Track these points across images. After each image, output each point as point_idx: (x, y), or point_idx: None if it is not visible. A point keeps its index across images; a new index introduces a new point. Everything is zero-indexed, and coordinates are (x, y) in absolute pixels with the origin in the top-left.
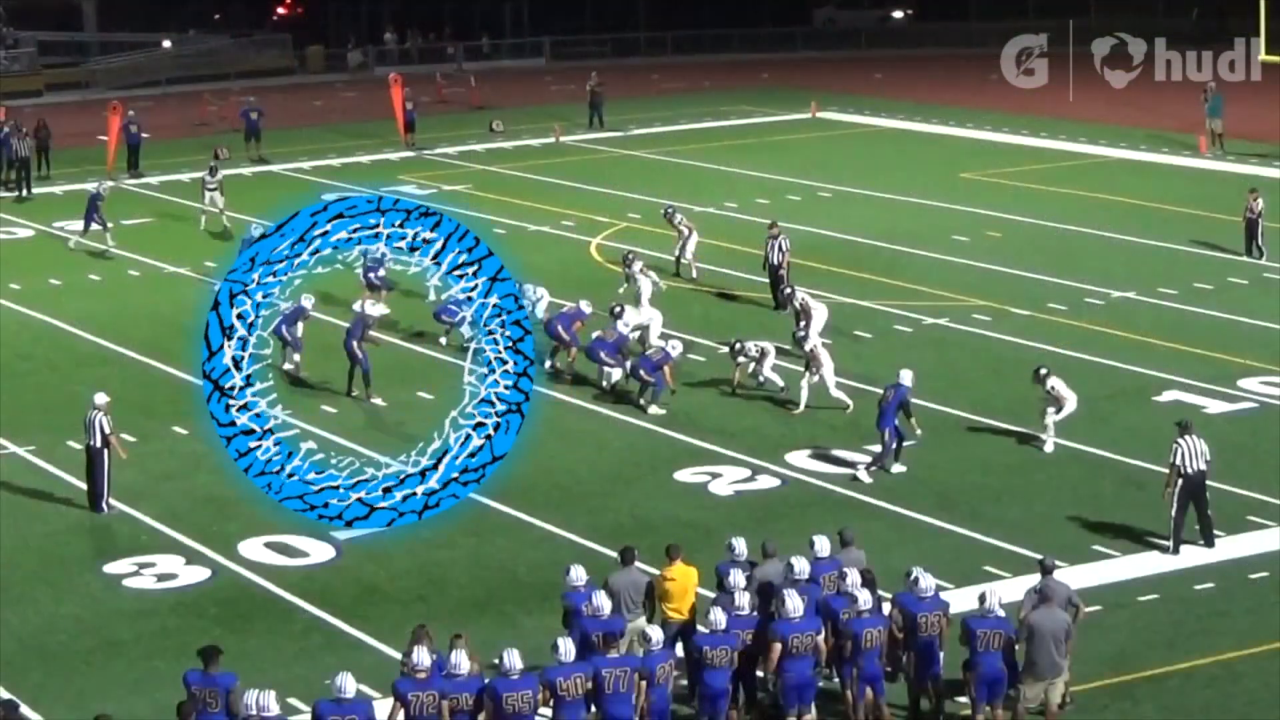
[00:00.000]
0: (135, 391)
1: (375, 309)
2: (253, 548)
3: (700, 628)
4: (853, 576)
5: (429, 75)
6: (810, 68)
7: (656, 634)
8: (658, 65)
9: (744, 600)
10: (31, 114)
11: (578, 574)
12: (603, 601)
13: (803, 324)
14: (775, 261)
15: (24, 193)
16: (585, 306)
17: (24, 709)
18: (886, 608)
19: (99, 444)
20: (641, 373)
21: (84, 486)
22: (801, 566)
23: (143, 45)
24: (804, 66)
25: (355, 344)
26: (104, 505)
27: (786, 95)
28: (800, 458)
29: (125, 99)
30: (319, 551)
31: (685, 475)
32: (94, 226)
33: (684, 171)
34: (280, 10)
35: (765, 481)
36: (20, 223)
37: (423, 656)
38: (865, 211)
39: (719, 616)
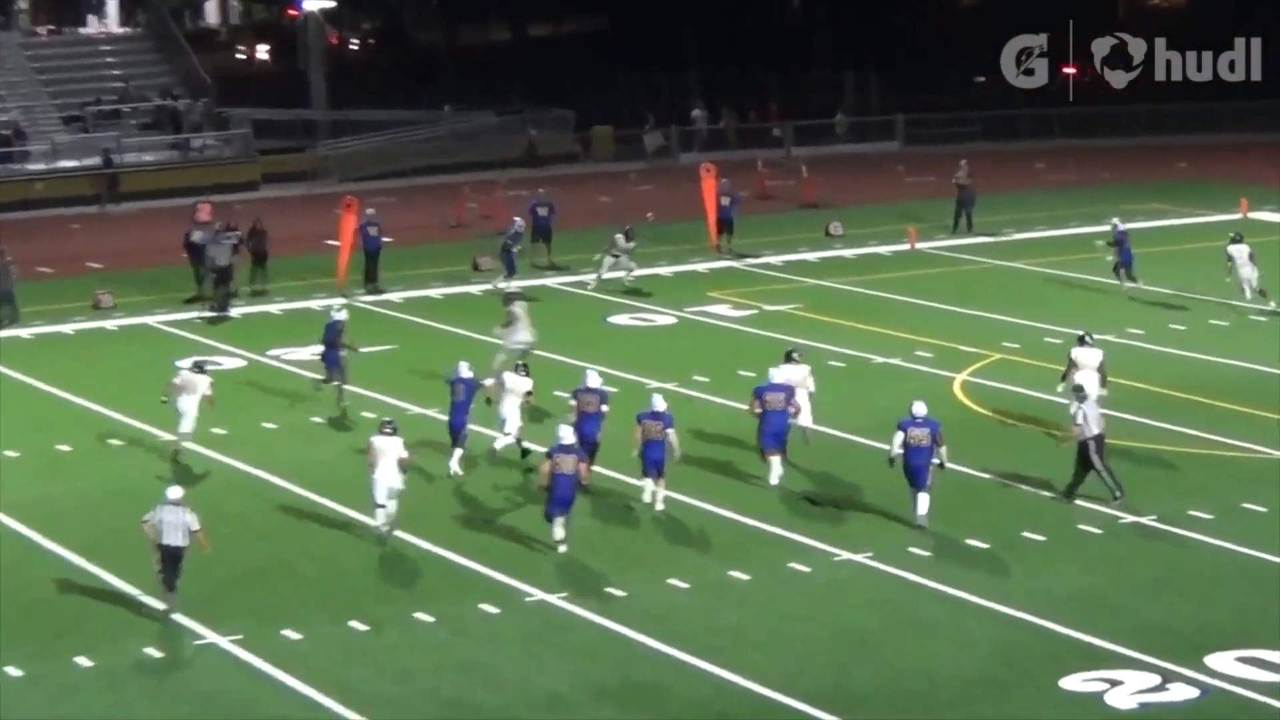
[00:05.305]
0: None
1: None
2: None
3: None
4: None
5: (749, 163)
6: (1239, 153)
7: None
8: (1042, 151)
9: None
10: (245, 212)
11: None
12: None
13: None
14: None
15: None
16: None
17: None
18: None
19: None
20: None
21: None
22: None
23: (384, 126)
24: (1230, 151)
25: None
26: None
27: (1209, 190)
28: (1225, 660)
29: (362, 193)
30: None
31: (1073, 682)
32: None
33: (1074, 288)
34: None
35: (1179, 691)
36: (227, 349)
37: None
38: None
39: None
